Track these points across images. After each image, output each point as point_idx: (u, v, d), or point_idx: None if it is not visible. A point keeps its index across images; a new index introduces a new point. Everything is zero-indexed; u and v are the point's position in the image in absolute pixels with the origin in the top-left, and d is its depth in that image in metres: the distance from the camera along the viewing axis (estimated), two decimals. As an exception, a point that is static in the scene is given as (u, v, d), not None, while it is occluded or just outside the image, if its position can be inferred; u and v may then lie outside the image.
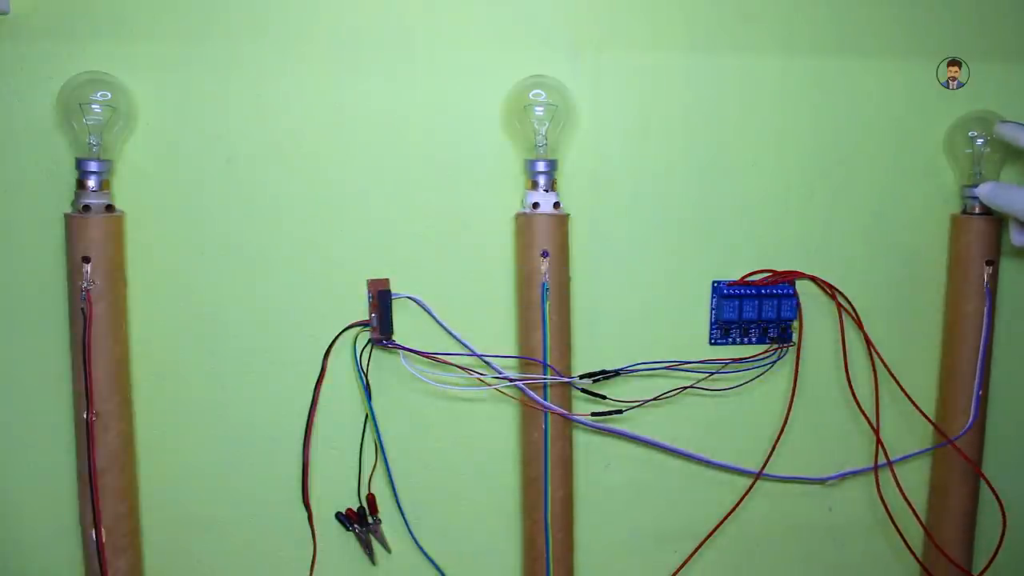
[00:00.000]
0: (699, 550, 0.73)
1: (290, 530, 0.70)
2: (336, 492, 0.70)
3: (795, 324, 0.72)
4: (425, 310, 0.68)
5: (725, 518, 0.73)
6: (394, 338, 0.67)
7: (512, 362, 0.68)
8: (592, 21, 0.68)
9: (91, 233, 0.60)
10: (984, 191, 0.68)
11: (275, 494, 0.69)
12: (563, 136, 0.66)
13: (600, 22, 0.68)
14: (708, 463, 0.73)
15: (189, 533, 0.69)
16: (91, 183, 0.61)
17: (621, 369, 0.69)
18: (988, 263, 0.69)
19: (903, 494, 0.71)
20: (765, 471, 0.72)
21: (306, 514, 0.69)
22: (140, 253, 0.65)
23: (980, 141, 0.69)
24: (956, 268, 0.71)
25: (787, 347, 0.72)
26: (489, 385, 0.67)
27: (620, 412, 0.68)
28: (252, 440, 0.69)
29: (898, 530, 0.73)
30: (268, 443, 0.69)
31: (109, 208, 0.62)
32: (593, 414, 0.68)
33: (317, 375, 0.68)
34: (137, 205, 0.64)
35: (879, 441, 0.72)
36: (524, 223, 0.65)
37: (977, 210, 0.70)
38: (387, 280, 0.67)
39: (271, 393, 0.68)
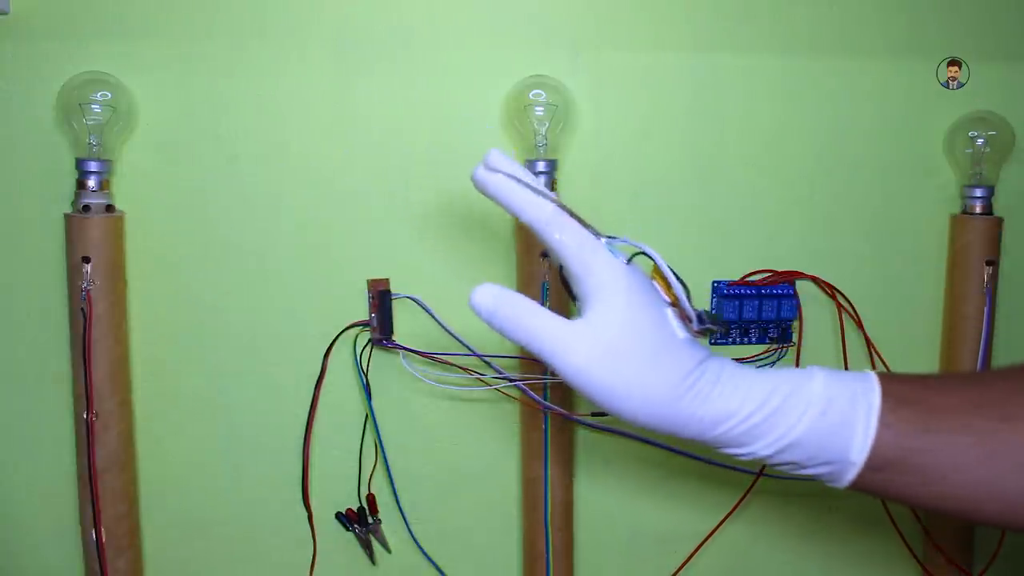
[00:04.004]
0: (699, 550, 0.73)
1: (290, 530, 0.70)
2: (336, 492, 0.70)
3: (795, 324, 0.72)
4: (425, 310, 0.67)
5: (725, 518, 0.73)
6: (394, 338, 0.67)
7: (512, 362, 0.68)
8: (592, 21, 0.68)
9: (91, 233, 0.60)
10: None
11: (275, 494, 0.69)
12: (563, 136, 0.66)
13: (600, 22, 0.68)
14: (708, 463, 0.73)
15: (189, 533, 0.69)
16: (91, 183, 0.61)
17: (621, 369, 0.69)
18: (988, 263, 0.69)
19: (903, 494, 0.71)
20: (765, 471, 0.72)
21: (306, 514, 0.69)
22: (140, 253, 0.65)
23: (980, 141, 0.69)
24: (956, 268, 0.71)
25: (787, 347, 0.72)
26: (489, 385, 0.67)
27: (620, 412, 0.68)
28: (252, 440, 0.69)
29: (898, 530, 0.73)
30: (268, 443, 0.69)
31: (109, 208, 0.62)
32: (593, 414, 0.68)
33: (317, 375, 0.68)
34: (137, 205, 0.64)
35: (879, 441, 0.72)
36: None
37: (977, 210, 0.70)
38: (387, 280, 0.67)
39: (271, 393, 0.68)
